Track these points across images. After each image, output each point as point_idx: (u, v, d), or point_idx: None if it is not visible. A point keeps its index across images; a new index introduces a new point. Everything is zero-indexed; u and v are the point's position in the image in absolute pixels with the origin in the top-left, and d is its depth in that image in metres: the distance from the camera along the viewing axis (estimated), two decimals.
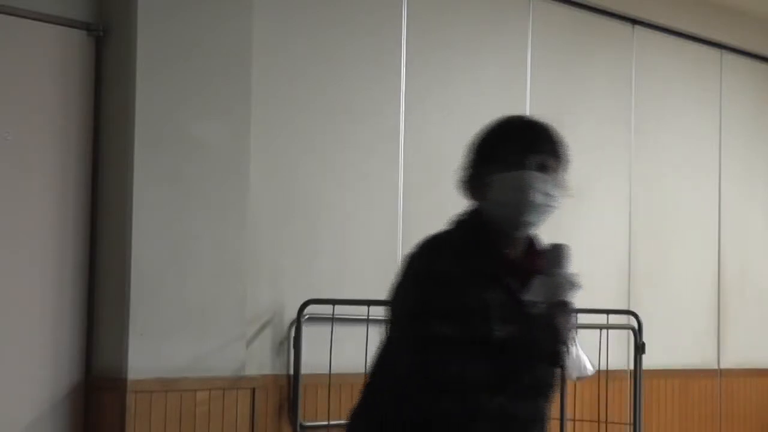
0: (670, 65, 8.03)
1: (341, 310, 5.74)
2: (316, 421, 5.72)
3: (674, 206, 8.02)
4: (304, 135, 5.87)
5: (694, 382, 8.07)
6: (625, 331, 7.06)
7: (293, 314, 5.68)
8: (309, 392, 5.72)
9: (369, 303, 5.58)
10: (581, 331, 6.59)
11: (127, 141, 5.07)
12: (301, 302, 5.64)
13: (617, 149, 7.63)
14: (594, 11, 7.45)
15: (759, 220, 8.71)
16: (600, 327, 6.80)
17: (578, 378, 6.48)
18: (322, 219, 5.94)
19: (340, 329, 5.77)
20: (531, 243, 2.87)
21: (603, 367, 6.62)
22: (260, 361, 5.59)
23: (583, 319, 6.67)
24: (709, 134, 8.33)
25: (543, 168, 2.80)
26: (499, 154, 2.81)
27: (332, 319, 5.70)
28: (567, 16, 7.32)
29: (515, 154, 2.79)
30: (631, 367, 6.88)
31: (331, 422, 5.64)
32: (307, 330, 5.68)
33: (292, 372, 5.69)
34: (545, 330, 2.74)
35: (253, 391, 5.38)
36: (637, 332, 6.81)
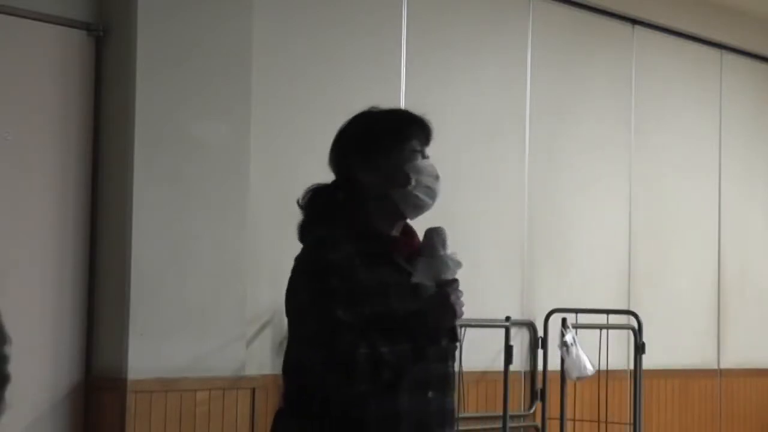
0: (670, 65, 8.02)
1: None
2: None
3: (674, 206, 8.01)
4: (304, 135, 5.86)
5: (694, 382, 8.06)
6: (625, 331, 7.06)
7: None
8: None
9: None
10: (581, 331, 6.61)
11: (127, 141, 5.07)
12: None
13: (617, 149, 7.63)
14: (594, 11, 7.45)
15: (759, 220, 8.70)
16: (600, 327, 6.80)
17: (578, 378, 6.48)
18: None
19: None
20: (406, 225, 3.03)
21: (603, 367, 6.62)
22: (260, 361, 5.59)
23: (583, 318, 6.71)
24: (709, 134, 8.33)
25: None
26: (402, 144, 3.13)
27: None
28: (567, 16, 7.32)
29: (409, 142, 3.14)
30: (631, 367, 6.87)
31: None
32: None
33: None
34: (441, 307, 2.83)
35: (253, 391, 5.38)
36: (637, 332, 6.80)
